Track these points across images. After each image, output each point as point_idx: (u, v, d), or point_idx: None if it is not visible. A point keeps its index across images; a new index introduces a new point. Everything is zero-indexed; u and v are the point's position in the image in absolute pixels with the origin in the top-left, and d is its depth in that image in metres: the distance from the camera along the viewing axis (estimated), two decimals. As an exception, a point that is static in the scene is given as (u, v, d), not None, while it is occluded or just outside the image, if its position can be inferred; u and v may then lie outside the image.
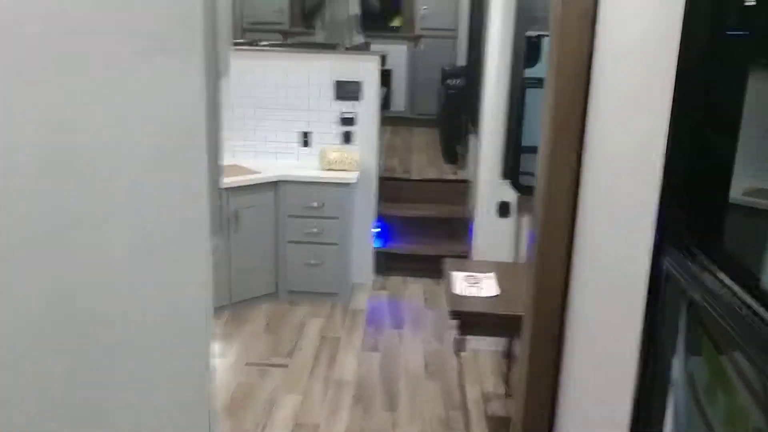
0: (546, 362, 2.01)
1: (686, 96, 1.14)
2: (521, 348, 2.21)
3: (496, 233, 3.98)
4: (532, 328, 2.01)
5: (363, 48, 6.02)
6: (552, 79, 1.85)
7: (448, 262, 3.37)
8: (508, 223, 3.97)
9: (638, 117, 1.42)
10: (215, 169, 1.42)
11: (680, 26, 1.15)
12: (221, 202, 1.53)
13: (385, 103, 8.65)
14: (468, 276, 3.17)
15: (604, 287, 1.61)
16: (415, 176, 6.20)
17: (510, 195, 3.94)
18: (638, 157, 1.39)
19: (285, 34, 9.05)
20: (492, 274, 3.18)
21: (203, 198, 1.38)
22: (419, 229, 5.59)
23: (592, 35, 1.80)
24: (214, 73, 1.38)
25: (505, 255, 3.92)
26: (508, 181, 3.91)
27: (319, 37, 6.04)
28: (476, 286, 3.06)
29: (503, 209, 3.96)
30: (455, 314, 2.84)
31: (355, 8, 6.09)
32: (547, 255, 1.96)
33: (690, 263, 1.10)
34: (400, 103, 9.11)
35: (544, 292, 2.00)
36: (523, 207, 3.94)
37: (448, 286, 3.07)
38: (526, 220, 3.94)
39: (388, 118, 8.63)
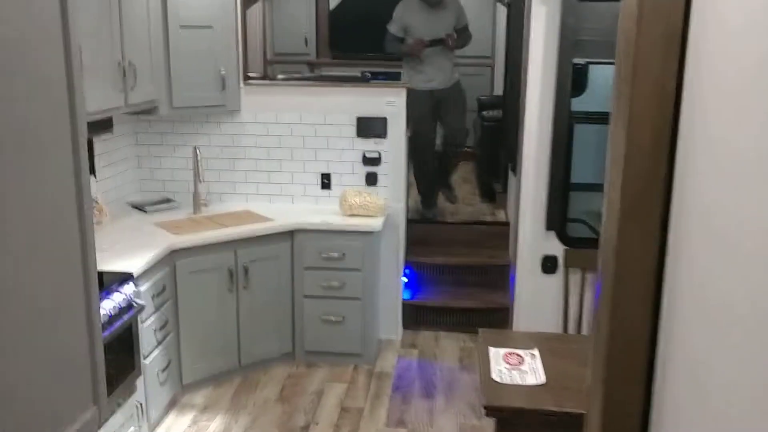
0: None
1: None
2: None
3: (539, 292, 3.42)
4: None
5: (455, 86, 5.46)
6: (623, 117, 1.32)
7: (483, 334, 2.82)
8: (554, 281, 3.41)
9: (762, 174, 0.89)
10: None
11: None
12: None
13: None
14: (508, 354, 2.61)
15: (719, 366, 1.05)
16: (448, 218, 5.66)
17: (556, 248, 3.39)
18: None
19: (311, 65, 8.67)
20: (536, 352, 2.63)
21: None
22: (453, 277, 5.04)
23: (680, 63, 1.27)
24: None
25: (550, 320, 3.35)
26: (553, 233, 3.37)
27: (423, 77, 5.27)
28: (518, 369, 2.51)
29: (548, 264, 3.41)
30: (492, 411, 2.29)
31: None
32: (622, 324, 1.40)
33: None
34: (433, 135, 8.60)
35: (618, 380, 1.43)
36: (572, 261, 3.38)
37: (484, 367, 2.52)
38: (575, 279, 3.38)
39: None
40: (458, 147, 5.75)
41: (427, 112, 5.29)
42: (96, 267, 1.36)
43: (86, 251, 1.32)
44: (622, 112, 1.32)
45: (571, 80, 3.37)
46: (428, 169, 5.56)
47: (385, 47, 5.37)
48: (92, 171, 3.93)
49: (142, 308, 3.18)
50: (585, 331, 3.24)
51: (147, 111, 3.95)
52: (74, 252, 1.29)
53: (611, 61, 3.39)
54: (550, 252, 3.39)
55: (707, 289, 1.13)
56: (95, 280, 1.34)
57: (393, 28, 5.23)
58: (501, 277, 4.85)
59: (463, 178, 6.95)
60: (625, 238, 1.30)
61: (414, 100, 4.99)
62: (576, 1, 3.24)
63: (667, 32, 1.28)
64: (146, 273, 3.35)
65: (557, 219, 3.34)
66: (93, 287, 1.32)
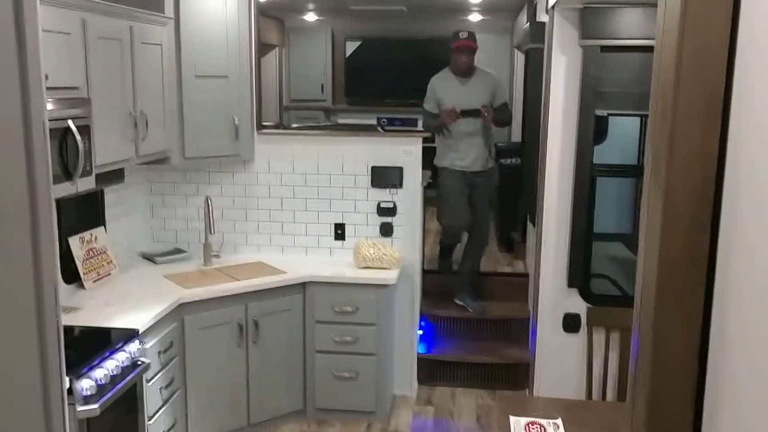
0: None
1: None
2: None
3: (561, 352, 3.26)
4: None
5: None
6: (659, 184, 1.21)
7: (502, 399, 2.66)
8: (576, 340, 3.25)
9: None
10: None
11: None
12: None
13: (434, 182, 8.12)
14: (530, 424, 2.46)
15: None
16: (465, 268, 5.51)
17: (578, 305, 3.24)
18: None
19: (327, 111, 8.67)
20: (559, 422, 2.47)
21: None
22: (470, 331, 4.88)
23: (723, 126, 1.16)
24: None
25: (573, 381, 3.18)
26: (575, 290, 3.23)
27: (455, 155, 4.79)
28: (541, 440, 2.34)
29: (570, 323, 3.25)
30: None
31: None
32: (663, 393, 1.25)
33: None
34: (449, 181, 8.51)
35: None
36: (596, 320, 3.23)
37: (504, 438, 2.37)
38: (599, 338, 3.22)
39: (436, 199, 8.04)
40: (481, 247, 5.10)
41: (459, 193, 4.79)
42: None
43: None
44: (658, 179, 1.21)
45: (594, 131, 3.27)
46: (457, 242, 5.26)
47: (423, 126, 4.99)
48: (102, 222, 3.86)
49: (147, 367, 3.06)
50: (611, 395, 3.07)
51: (159, 161, 3.88)
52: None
53: (634, 113, 3.28)
54: (573, 310, 3.24)
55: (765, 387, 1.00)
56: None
57: (428, 104, 4.83)
58: (520, 330, 4.69)
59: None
60: (664, 322, 1.17)
61: (444, 179, 4.80)
62: (598, 51, 3.15)
63: (708, 92, 1.17)
64: (153, 328, 3.24)
65: (579, 276, 3.20)
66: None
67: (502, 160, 6.28)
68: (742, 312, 1.11)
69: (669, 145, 1.14)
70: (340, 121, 8.61)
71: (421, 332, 4.72)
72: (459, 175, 4.79)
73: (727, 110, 1.13)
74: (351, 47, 8.65)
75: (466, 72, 4.80)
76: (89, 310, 3.32)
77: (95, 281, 3.65)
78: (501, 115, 4.88)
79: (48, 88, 2.57)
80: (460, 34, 4.80)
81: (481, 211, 4.95)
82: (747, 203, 1.08)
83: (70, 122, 2.81)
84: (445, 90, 4.81)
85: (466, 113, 4.67)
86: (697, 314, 1.19)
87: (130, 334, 3.03)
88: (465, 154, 4.78)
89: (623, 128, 3.58)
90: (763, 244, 1.03)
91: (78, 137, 2.83)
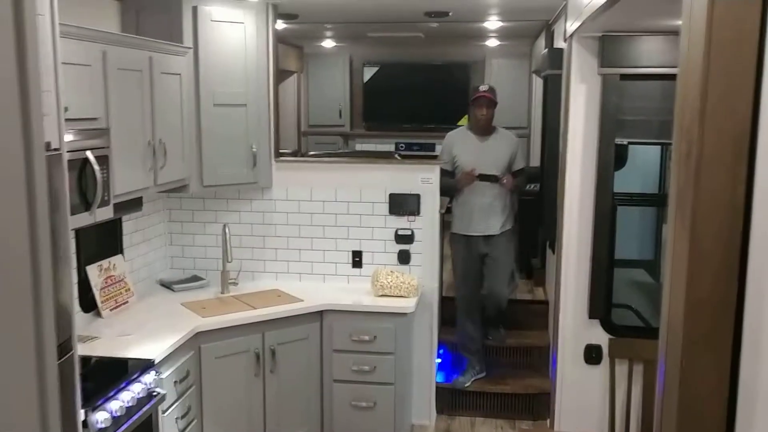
0: None
1: None
2: None
3: (583, 384, 3.20)
4: None
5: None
6: (685, 228, 1.17)
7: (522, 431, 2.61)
8: (598, 372, 3.19)
9: None
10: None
11: None
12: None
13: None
14: (551, 460, 2.40)
15: None
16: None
17: (600, 337, 3.18)
18: None
19: (345, 136, 8.70)
20: (583, 458, 2.41)
21: None
22: (489, 359, 4.81)
23: (749, 164, 1.12)
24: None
25: (595, 413, 3.11)
26: (596, 321, 3.17)
27: (467, 220, 4.50)
28: (563, 478, 2.29)
29: (592, 354, 3.19)
30: None
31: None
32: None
33: None
34: (468, 206, 8.47)
35: None
36: (618, 352, 3.16)
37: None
38: (622, 370, 3.15)
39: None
40: (501, 314, 4.75)
41: (472, 261, 4.53)
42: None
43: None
44: (683, 223, 1.17)
45: (614, 158, 3.23)
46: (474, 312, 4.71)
47: (440, 187, 4.45)
48: (120, 250, 3.87)
49: (162, 398, 3.04)
50: (634, 429, 3.00)
51: (177, 189, 3.90)
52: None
53: (655, 141, 3.25)
54: (594, 341, 3.18)
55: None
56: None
57: (443, 159, 4.52)
58: (540, 359, 4.62)
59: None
60: (691, 367, 1.13)
61: (456, 245, 4.55)
62: (617, 79, 3.12)
63: (736, 130, 1.14)
64: (169, 357, 3.23)
65: (601, 306, 3.14)
66: None
67: (521, 186, 6.23)
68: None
69: (694, 187, 1.11)
70: (358, 146, 8.63)
71: (439, 360, 4.66)
72: (473, 240, 4.50)
73: (754, 152, 1.10)
74: (369, 73, 8.69)
75: (485, 129, 4.51)
76: (106, 339, 3.32)
77: (113, 309, 3.65)
78: (519, 182, 4.60)
79: (68, 120, 2.62)
80: (480, 87, 4.57)
81: (498, 276, 4.58)
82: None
83: (88, 153, 2.82)
84: (461, 147, 4.52)
85: (485, 177, 4.37)
86: (725, 360, 1.14)
87: (146, 365, 3.01)
88: (479, 220, 4.46)
89: (644, 156, 3.54)
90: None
91: (96, 167, 2.84)
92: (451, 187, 4.46)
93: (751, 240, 1.12)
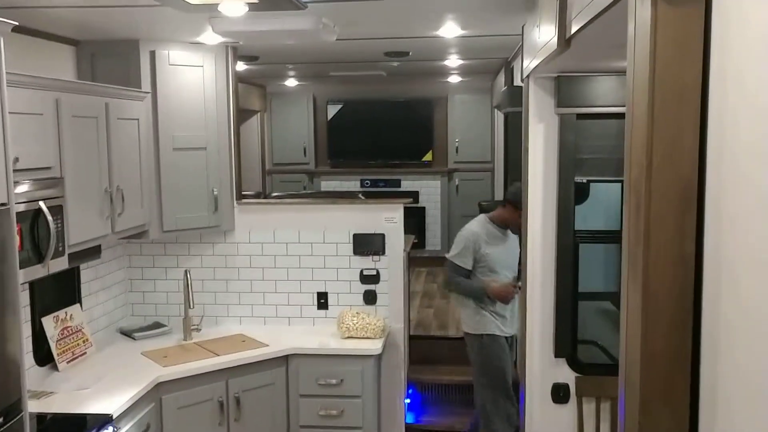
0: None
1: None
2: None
3: (551, 424, 3.17)
4: None
5: None
6: (637, 285, 1.16)
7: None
8: (566, 412, 3.16)
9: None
10: None
11: None
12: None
13: (419, 242, 8.07)
14: (520, 508, 2.36)
15: None
16: (452, 332, 5.44)
17: (567, 375, 3.17)
18: None
19: (311, 174, 8.68)
20: (552, 504, 2.37)
21: None
22: (460, 397, 4.78)
23: (698, 219, 1.12)
24: None
25: (565, 454, 3.09)
26: (563, 359, 3.16)
27: (500, 322, 4.12)
28: None
29: (559, 393, 3.17)
30: None
31: None
32: None
33: None
34: (435, 241, 8.52)
35: None
36: (585, 390, 3.15)
37: None
38: (589, 408, 3.14)
39: (423, 259, 8.02)
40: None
41: (506, 359, 4.14)
42: None
43: None
44: (635, 276, 1.16)
45: (574, 195, 3.25)
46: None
47: (453, 286, 4.22)
48: (78, 299, 3.77)
49: (121, 454, 2.94)
50: (603, 469, 2.98)
51: (137, 235, 3.82)
52: None
53: (614, 179, 3.27)
54: (561, 380, 3.16)
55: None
56: None
57: (462, 259, 4.08)
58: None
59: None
60: (649, 426, 1.11)
61: (494, 344, 4.07)
62: (574, 119, 3.15)
63: (682, 184, 1.14)
64: (129, 411, 3.13)
65: (566, 345, 3.13)
66: None
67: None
68: (731, 411, 1.05)
69: (644, 244, 1.10)
70: (323, 183, 8.62)
71: (408, 401, 4.61)
72: (503, 340, 4.13)
73: (702, 205, 1.10)
74: (333, 110, 8.72)
75: (504, 225, 4.17)
76: (62, 393, 3.21)
77: (69, 362, 3.54)
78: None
79: (19, 170, 2.56)
80: None
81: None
82: (728, 312, 1.04)
83: (41, 203, 2.75)
84: (491, 244, 4.11)
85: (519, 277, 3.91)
86: (683, 417, 1.13)
87: (104, 420, 2.91)
88: (512, 320, 4.14)
89: (606, 192, 3.56)
90: (746, 342, 0.98)
91: (50, 218, 2.77)
92: (477, 292, 4.06)
93: (703, 293, 1.12)
